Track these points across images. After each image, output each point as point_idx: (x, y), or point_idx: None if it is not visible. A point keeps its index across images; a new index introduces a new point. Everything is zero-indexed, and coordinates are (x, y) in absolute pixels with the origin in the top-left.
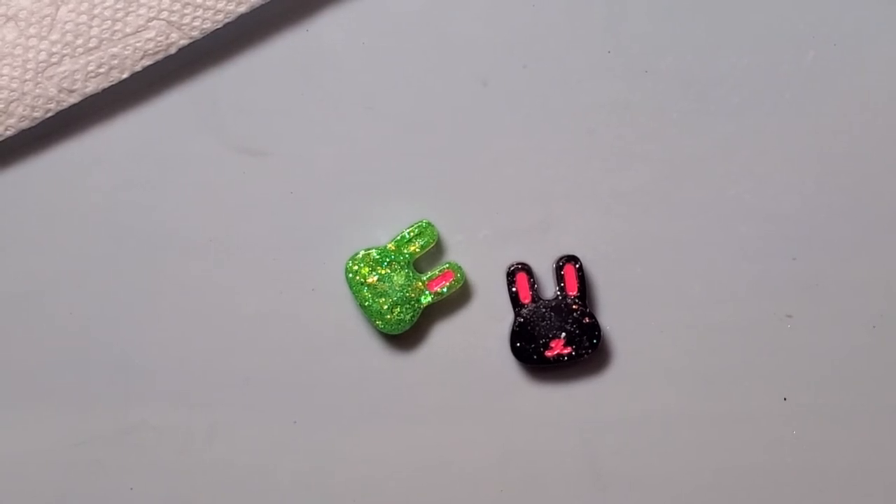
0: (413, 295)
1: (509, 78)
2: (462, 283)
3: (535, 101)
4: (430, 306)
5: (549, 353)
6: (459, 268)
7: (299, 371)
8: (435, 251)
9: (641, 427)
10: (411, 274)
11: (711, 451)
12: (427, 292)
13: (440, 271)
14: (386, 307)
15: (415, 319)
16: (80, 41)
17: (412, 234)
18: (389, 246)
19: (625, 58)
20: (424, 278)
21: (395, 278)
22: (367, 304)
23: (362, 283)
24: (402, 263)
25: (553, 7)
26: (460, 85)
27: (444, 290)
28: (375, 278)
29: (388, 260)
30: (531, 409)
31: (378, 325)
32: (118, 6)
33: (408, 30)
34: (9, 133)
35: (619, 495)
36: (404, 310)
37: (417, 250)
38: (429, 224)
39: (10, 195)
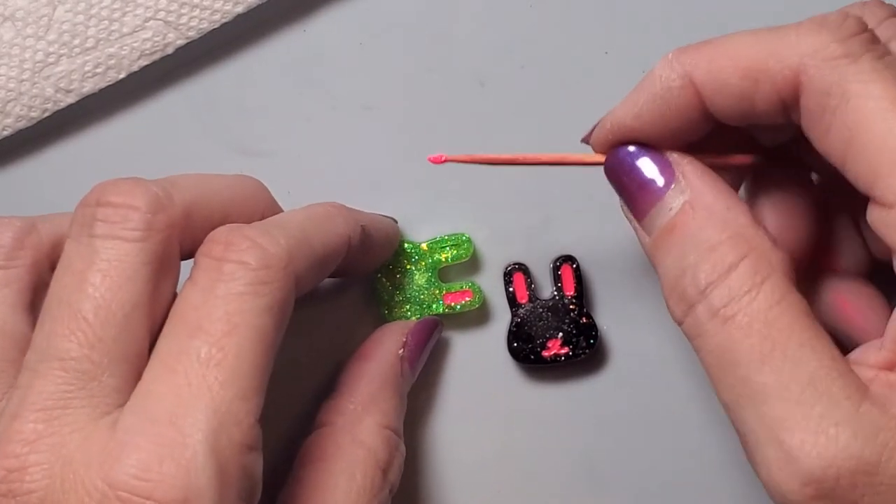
0: (427, 300)
1: (507, 78)
2: (478, 305)
3: (532, 101)
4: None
5: (546, 353)
6: (480, 290)
7: (298, 370)
8: (469, 266)
9: (638, 426)
10: (433, 279)
11: (708, 451)
12: (441, 302)
13: (460, 287)
14: (397, 300)
15: None
16: (77, 41)
17: (448, 242)
18: (423, 246)
19: (622, 58)
20: (443, 288)
21: (417, 277)
22: (380, 290)
23: (384, 271)
24: (428, 266)
25: (550, 7)
26: (458, 85)
27: (458, 306)
28: (398, 269)
29: (416, 257)
30: (528, 408)
31: (385, 313)
32: (115, 6)
33: (405, 30)
34: (6, 133)
35: (616, 494)
36: (413, 310)
37: (447, 259)
38: (468, 239)
39: (7, 195)
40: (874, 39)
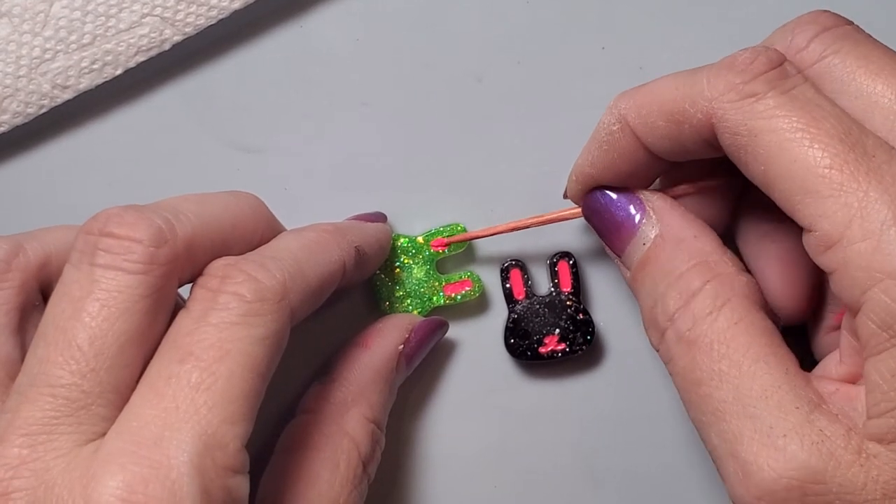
0: (427, 292)
1: (504, 74)
2: (477, 295)
3: (529, 97)
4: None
5: (542, 350)
6: (479, 280)
7: (297, 368)
8: (464, 257)
9: (635, 422)
10: (432, 271)
11: (704, 447)
12: (441, 294)
13: (459, 277)
14: (398, 295)
15: (423, 315)
16: (73, 37)
17: (443, 232)
18: (419, 239)
19: (619, 54)
20: (443, 280)
21: (415, 271)
22: (380, 287)
23: (382, 268)
24: (425, 258)
25: (547, 3)
26: (455, 81)
27: (458, 297)
28: (396, 265)
29: (413, 251)
30: (525, 404)
31: (386, 308)
32: (112, 2)
33: (402, 26)
34: (2, 129)
35: (613, 490)
36: (415, 304)
37: (444, 250)
38: (463, 229)
39: (4, 192)
40: (782, 74)
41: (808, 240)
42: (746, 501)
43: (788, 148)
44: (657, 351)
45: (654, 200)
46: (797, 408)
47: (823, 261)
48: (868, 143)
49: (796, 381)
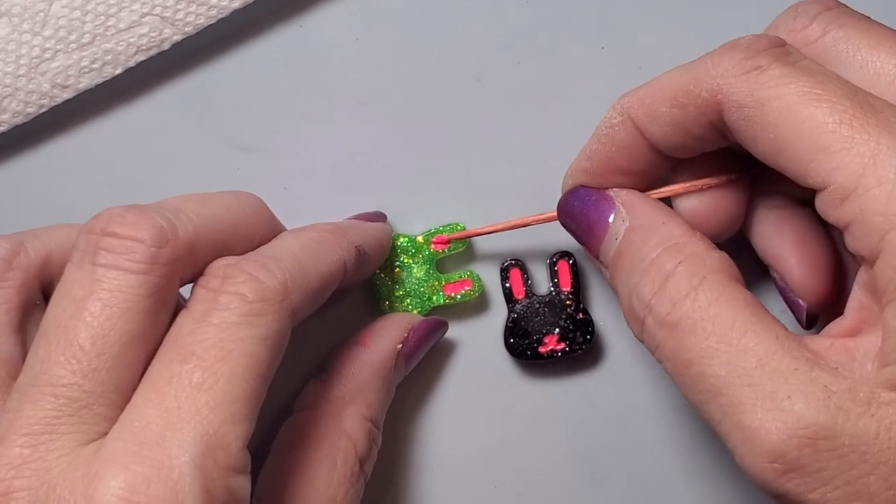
0: (427, 292)
1: (503, 74)
2: (477, 294)
3: (528, 96)
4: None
5: (542, 349)
6: (478, 279)
7: (296, 367)
8: (464, 256)
9: (634, 421)
10: (431, 271)
11: (704, 444)
12: (441, 293)
13: (459, 277)
14: (398, 295)
15: (422, 314)
16: (73, 37)
17: (443, 231)
18: (418, 238)
19: (618, 54)
20: (442, 279)
21: (415, 270)
22: (380, 286)
23: (382, 267)
24: (425, 258)
25: (547, 3)
26: (454, 80)
27: (458, 296)
28: (396, 264)
29: (413, 250)
30: (525, 404)
31: (385, 307)
32: (111, 2)
33: (402, 26)
34: (2, 129)
35: (613, 489)
36: (414, 303)
37: (444, 250)
38: (462, 228)
39: (3, 192)
40: (786, 52)
41: (822, 199)
42: (758, 467)
43: (797, 110)
44: (641, 342)
45: (623, 195)
46: (796, 369)
47: (839, 215)
48: (875, 102)
49: (789, 344)
